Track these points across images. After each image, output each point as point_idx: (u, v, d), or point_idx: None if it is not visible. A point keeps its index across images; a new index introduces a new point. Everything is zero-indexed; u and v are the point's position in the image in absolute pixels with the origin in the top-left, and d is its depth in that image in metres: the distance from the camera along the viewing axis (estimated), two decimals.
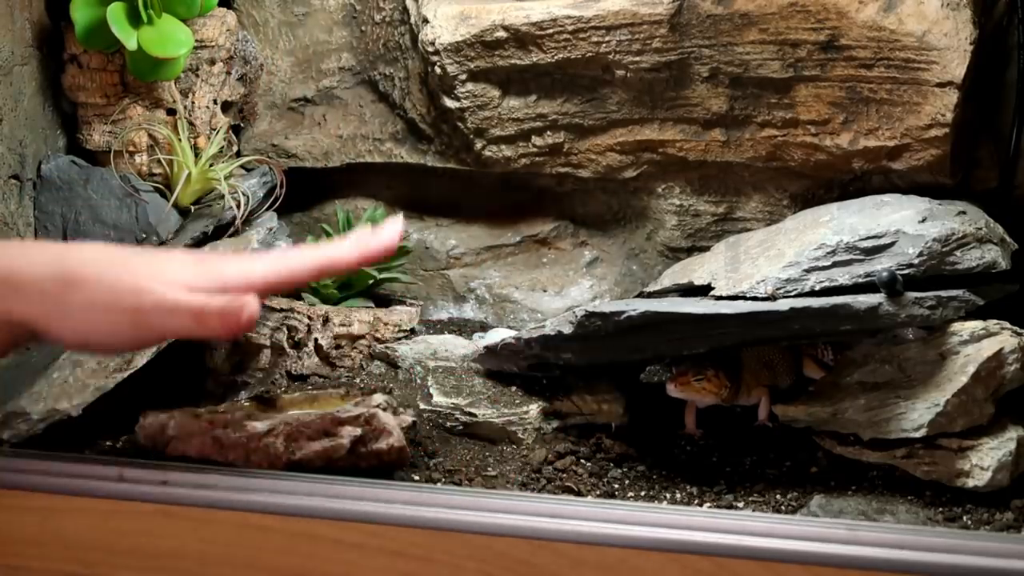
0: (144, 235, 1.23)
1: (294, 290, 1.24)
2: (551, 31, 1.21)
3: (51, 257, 0.79)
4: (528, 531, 0.76)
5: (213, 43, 1.30)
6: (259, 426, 0.94)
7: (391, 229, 0.86)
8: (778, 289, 0.99)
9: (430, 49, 1.25)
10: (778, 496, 0.95)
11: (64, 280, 0.78)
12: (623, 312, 0.98)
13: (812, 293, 0.98)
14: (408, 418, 1.02)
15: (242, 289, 0.79)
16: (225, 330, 0.79)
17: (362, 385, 1.14)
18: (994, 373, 0.94)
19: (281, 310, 1.19)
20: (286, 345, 1.18)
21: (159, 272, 0.80)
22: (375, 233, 0.86)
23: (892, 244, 1.00)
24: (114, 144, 1.26)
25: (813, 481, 0.97)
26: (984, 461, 0.92)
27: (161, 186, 1.27)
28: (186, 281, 0.79)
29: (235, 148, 1.38)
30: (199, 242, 1.22)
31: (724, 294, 1.03)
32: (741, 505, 0.94)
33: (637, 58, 1.19)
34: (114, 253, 0.83)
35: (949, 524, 0.89)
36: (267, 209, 1.29)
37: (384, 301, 1.31)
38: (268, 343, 1.18)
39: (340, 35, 1.39)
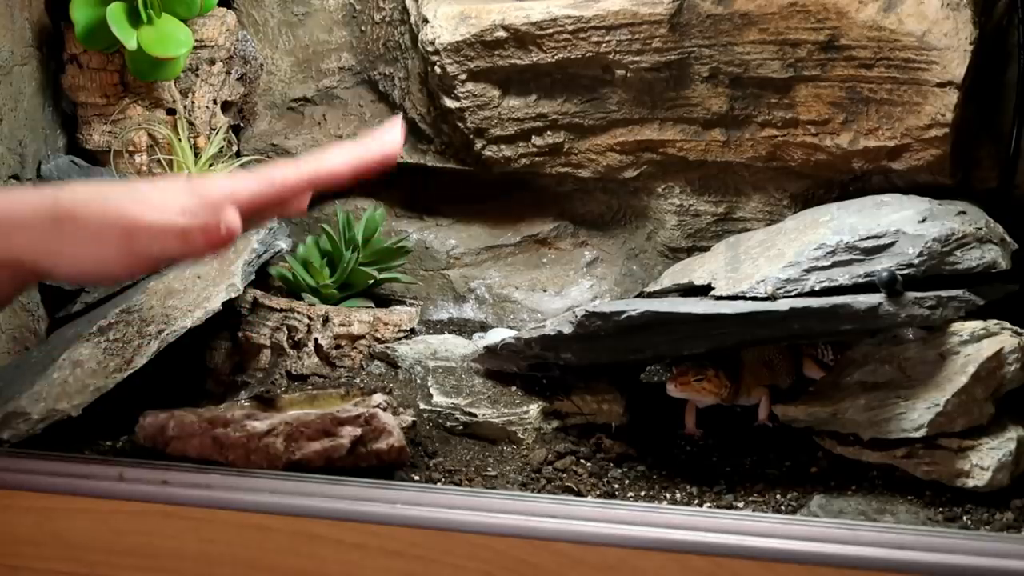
0: None
1: (293, 291, 1.24)
2: (551, 31, 1.21)
3: (44, 196, 0.80)
4: (528, 531, 0.76)
5: (213, 43, 1.30)
6: (259, 426, 0.94)
7: (391, 134, 0.80)
8: (778, 289, 0.99)
9: (430, 49, 1.25)
10: (778, 496, 0.95)
11: (56, 217, 0.78)
12: (623, 312, 0.98)
13: (812, 293, 0.98)
14: (408, 418, 1.02)
15: (227, 204, 0.78)
16: (208, 246, 0.78)
17: (362, 385, 1.14)
18: (994, 373, 0.94)
19: (281, 310, 1.19)
20: (286, 345, 1.18)
21: (146, 198, 0.79)
22: (372, 139, 0.79)
23: (892, 244, 1.00)
24: (114, 144, 1.26)
25: (813, 481, 0.97)
26: (984, 461, 0.92)
27: None
28: (174, 205, 0.79)
29: (235, 148, 1.38)
30: None
31: (724, 294, 1.03)
32: (741, 505, 0.94)
33: (637, 58, 1.19)
34: (105, 187, 0.84)
35: (949, 524, 0.89)
36: None
37: (384, 301, 1.31)
38: (268, 343, 1.18)
39: (340, 35, 1.39)
